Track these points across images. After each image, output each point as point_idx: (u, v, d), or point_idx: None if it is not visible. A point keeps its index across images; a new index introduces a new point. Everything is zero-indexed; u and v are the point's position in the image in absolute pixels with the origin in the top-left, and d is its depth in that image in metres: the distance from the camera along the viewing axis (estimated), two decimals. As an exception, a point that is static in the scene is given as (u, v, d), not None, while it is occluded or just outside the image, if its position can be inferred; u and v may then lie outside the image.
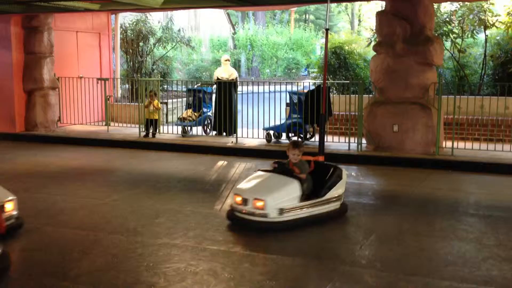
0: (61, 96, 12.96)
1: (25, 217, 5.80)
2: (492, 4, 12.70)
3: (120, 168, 9.23)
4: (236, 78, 11.93)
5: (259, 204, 5.57)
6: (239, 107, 11.35)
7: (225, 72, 12.05)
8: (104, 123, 13.06)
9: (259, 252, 5.05)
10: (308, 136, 10.83)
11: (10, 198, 5.54)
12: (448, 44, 12.81)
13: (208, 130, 11.95)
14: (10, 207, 5.50)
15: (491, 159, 9.04)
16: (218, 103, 11.52)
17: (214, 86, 12.00)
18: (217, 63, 22.57)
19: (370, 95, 10.85)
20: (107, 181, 8.31)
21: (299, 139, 10.57)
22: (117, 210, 6.52)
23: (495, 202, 7.00)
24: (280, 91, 11.23)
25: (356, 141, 10.07)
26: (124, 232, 5.66)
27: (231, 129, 11.49)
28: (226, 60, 12.18)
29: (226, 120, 11.47)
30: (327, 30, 5.23)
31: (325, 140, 10.58)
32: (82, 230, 5.74)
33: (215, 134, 11.67)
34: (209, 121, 11.98)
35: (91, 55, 14.12)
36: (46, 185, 7.88)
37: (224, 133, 11.61)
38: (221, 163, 9.72)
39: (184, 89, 13.64)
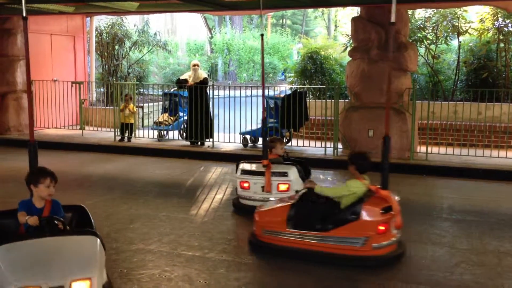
0: (35, 99, 12.75)
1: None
2: (465, 11, 12.93)
3: (94, 173, 9.12)
4: (205, 79, 11.20)
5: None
6: (215, 111, 11.29)
7: (193, 77, 11.26)
8: (78, 127, 12.90)
9: (235, 257, 5.03)
10: (284, 141, 10.83)
11: None
12: (422, 50, 12.98)
13: (184, 135, 11.85)
14: None
15: (465, 164, 9.17)
16: (189, 109, 11.06)
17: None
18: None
19: (346, 100, 10.93)
20: (81, 186, 8.20)
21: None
22: (91, 214, 6.41)
23: (468, 206, 7.10)
24: (257, 96, 11.22)
25: (332, 145, 10.13)
26: (103, 235, 5.57)
27: (204, 136, 11.01)
28: (194, 66, 11.34)
29: (198, 126, 10.97)
30: (262, 35, 5.64)
31: (302, 144, 10.68)
32: (54, 236, 5.64)
33: (190, 143, 11.16)
34: (185, 125, 11.87)
35: (65, 58, 13.94)
36: (18, 191, 7.72)
37: (199, 143, 11.08)
38: (197, 167, 9.67)
39: (160, 93, 13.55)
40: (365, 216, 4.79)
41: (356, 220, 4.80)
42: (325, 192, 5.10)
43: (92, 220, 4.21)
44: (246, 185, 6.54)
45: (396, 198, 5.07)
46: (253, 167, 6.67)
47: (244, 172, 6.62)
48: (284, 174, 6.42)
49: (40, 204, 4.04)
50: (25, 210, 3.93)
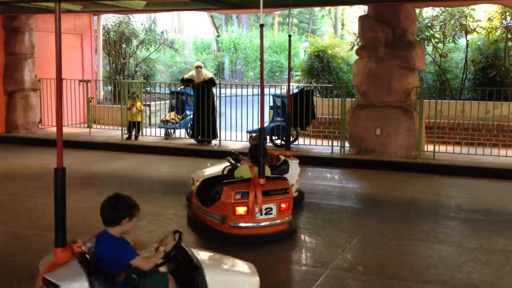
0: (42, 97, 12.81)
1: (5, 221, 5.71)
2: (473, 9, 12.86)
3: (102, 171, 9.15)
4: (211, 78, 11.21)
5: None
6: (222, 109, 11.30)
7: (196, 76, 11.23)
8: (86, 125, 12.93)
9: (242, 256, 5.02)
10: (291, 139, 10.84)
11: None
12: (429, 48, 12.93)
13: (191, 133, 11.85)
14: None
15: (472, 163, 9.13)
16: (196, 107, 11.07)
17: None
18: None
19: (353, 99, 10.91)
20: (89, 184, 8.23)
21: (282, 142, 10.60)
22: (98, 214, 6.42)
23: (476, 205, 7.07)
24: (264, 94, 11.20)
25: (339, 144, 10.10)
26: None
27: (211, 134, 11.05)
28: (197, 67, 11.25)
29: (204, 125, 10.97)
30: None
31: (309, 143, 10.67)
32: (62, 233, 5.66)
33: (199, 142, 11.14)
34: (192, 124, 11.87)
35: (73, 56, 13.97)
36: (26, 188, 7.77)
37: (206, 142, 11.10)
38: (204, 165, 9.66)
39: (167, 91, 13.56)
40: (223, 197, 5.33)
41: (218, 200, 5.41)
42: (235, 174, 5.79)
43: None
44: None
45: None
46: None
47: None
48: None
49: None
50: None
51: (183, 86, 11.84)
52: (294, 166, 6.76)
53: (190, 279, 3.31)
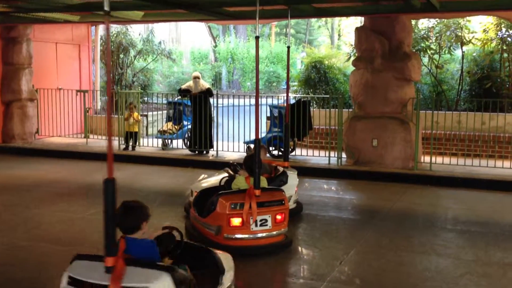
0: (39, 107, 12.81)
1: (1, 232, 5.69)
2: (469, 21, 12.94)
3: (98, 182, 9.07)
4: (208, 89, 11.23)
5: None
6: (219, 120, 11.30)
7: (194, 87, 11.21)
8: (83, 135, 12.93)
9: (238, 267, 5.02)
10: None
11: None
12: (425, 60, 13.00)
13: (188, 144, 11.85)
14: None
15: (469, 174, 9.15)
16: (193, 118, 11.10)
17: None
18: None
19: (350, 110, 10.94)
20: (85, 194, 8.22)
21: (280, 153, 10.61)
22: (95, 225, 6.43)
23: (473, 217, 7.08)
24: (261, 105, 11.21)
25: (336, 155, 10.12)
26: (102, 247, 5.57)
27: (208, 145, 11.08)
28: (194, 78, 11.23)
29: (201, 135, 10.99)
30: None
31: (306, 154, 10.68)
32: (59, 245, 5.66)
33: (194, 152, 11.18)
34: (189, 134, 11.89)
35: (70, 66, 14.00)
36: (22, 199, 7.75)
37: (204, 151, 11.12)
38: (202, 176, 9.67)
39: (165, 102, 13.58)
40: (218, 208, 5.34)
41: (213, 211, 5.42)
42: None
43: None
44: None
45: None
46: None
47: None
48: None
49: None
50: None
51: (180, 97, 11.85)
52: (292, 177, 6.78)
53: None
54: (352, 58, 11.43)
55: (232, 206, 5.28)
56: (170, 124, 11.75)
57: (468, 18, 12.56)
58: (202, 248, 3.90)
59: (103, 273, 3.13)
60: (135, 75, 16.16)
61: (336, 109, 10.42)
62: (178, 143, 11.83)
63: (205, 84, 11.45)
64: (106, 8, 3.09)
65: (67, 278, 3.23)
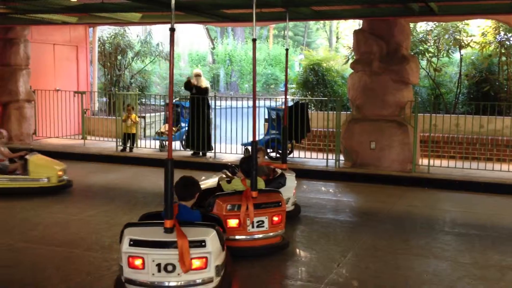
0: (37, 109, 12.78)
1: (-3, 233, 5.66)
2: (467, 24, 12.97)
3: (96, 183, 9.11)
4: (207, 88, 11.25)
5: None
6: (217, 121, 11.29)
7: (197, 83, 11.27)
8: (80, 137, 12.90)
9: (238, 270, 5.01)
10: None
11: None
12: (424, 63, 13.01)
13: (185, 144, 11.83)
14: None
15: (467, 177, 9.15)
16: (191, 119, 11.10)
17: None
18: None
19: (348, 112, 10.94)
20: (82, 196, 8.19)
21: (278, 155, 10.60)
22: (92, 226, 6.42)
23: (471, 220, 7.07)
24: (259, 107, 11.21)
25: (334, 157, 10.11)
26: (99, 249, 5.57)
27: (206, 147, 11.08)
28: (196, 75, 11.30)
29: (199, 137, 11.01)
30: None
31: (304, 156, 10.67)
32: (55, 246, 5.63)
33: (191, 154, 11.19)
34: (186, 136, 11.86)
35: (68, 68, 13.98)
36: (18, 200, 7.72)
37: (200, 153, 11.13)
38: (199, 178, 9.64)
39: (162, 103, 13.57)
40: (215, 209, 5.33)
41: (210, 212, 5.37)
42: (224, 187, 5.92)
43: None
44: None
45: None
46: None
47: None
48: None
49: None
50: None
51: (178, 98, 11.85)
52: (291, 179, 6.76)
53: None
54: (350, 61, 11.44)
55: (229, 207, 5.27)
56: (167, 125, 11.70)
57: (466, 21, 12.59)
58: None
59: (162, 233, 3.94)
60: (133, 76, 16.14)
61: (334, 112, 10.41)
62: (175, 144, 11.80)
63: (205, 82, 11.48)
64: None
65: (129, 241, 3.92)
